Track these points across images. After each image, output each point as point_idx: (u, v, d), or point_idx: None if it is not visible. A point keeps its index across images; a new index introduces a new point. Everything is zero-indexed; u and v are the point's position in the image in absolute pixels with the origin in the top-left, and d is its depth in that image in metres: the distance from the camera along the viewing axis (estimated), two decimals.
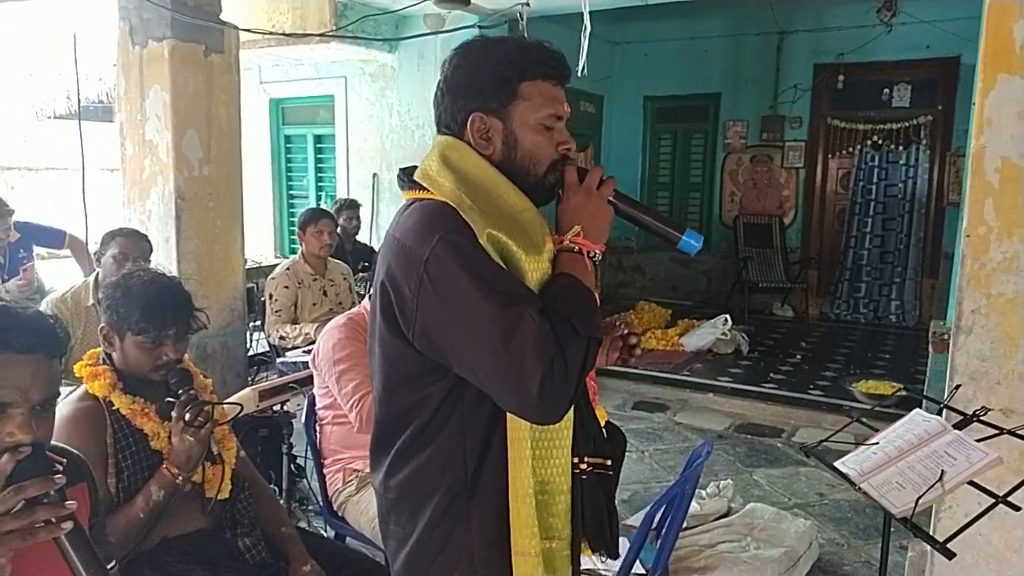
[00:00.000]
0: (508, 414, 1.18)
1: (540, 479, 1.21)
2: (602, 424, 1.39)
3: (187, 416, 1.76)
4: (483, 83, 1.23)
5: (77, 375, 1.84)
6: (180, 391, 1.80)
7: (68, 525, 1.07)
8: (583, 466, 1.26)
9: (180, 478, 1.76)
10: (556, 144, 1.26)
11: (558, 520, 1.24)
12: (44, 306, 2.96)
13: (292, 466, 3.19)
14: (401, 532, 1.28)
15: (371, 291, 2.57)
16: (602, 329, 1.21)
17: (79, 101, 4.31)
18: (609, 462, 1.32)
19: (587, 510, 1.28)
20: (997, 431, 1.71)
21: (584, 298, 1.16)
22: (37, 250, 4.36)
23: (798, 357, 6.34)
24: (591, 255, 1.22)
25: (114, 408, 1.79)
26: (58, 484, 1.08)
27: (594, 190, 1.25)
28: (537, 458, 1.21)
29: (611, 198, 1.26)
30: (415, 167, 1.27)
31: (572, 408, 1.20)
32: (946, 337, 2.41)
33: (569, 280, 1.17)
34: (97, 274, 3.10)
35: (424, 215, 1.19)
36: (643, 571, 2.30)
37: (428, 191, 1.21)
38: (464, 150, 1.24)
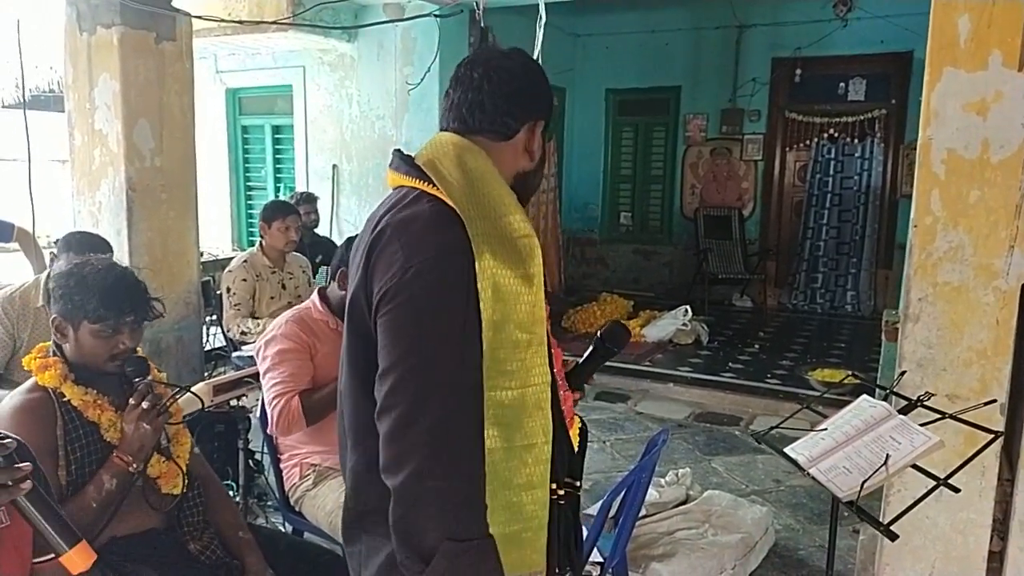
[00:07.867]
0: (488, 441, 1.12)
1: (522, 515, 1.14)
2: (576, 430, 1.34)
3: (145, 404, 1.74)
4: (544, 95, 1.35)
5: (26, 368, 1.80)
6: (137, 379, 1.79)
7: (27, 485, 1.05)
8: (560, 492, 1.21)
9: (133, 466, 1.74)
10: None
11: (538, 555, 1.17)
12: None
13: (250, 461, 3.14)
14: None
15: (328, 280, 2.56)
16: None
17: (23, 90, 4.19)
18: (578, 484, 1.29)
19: (560, 535, 1.23)
20: (940, 415, 1.75)
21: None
22: None
23: (756, 347, 6.43)
24: None
25: (65, 399, 1.75)
26: (8, 448, 1.05)
27: None
28: (517, 491, 1.14)
29: None
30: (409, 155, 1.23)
31: (551, 440, 1.16)
32: (898, 326, 2.47)
33: None
34: (49, 274, 2.98)
35: (427, 216, 1.13)
36: (601, 559, 2.32)
37: (432, 185, 1.15)
38: (483, 159, 1.20)
